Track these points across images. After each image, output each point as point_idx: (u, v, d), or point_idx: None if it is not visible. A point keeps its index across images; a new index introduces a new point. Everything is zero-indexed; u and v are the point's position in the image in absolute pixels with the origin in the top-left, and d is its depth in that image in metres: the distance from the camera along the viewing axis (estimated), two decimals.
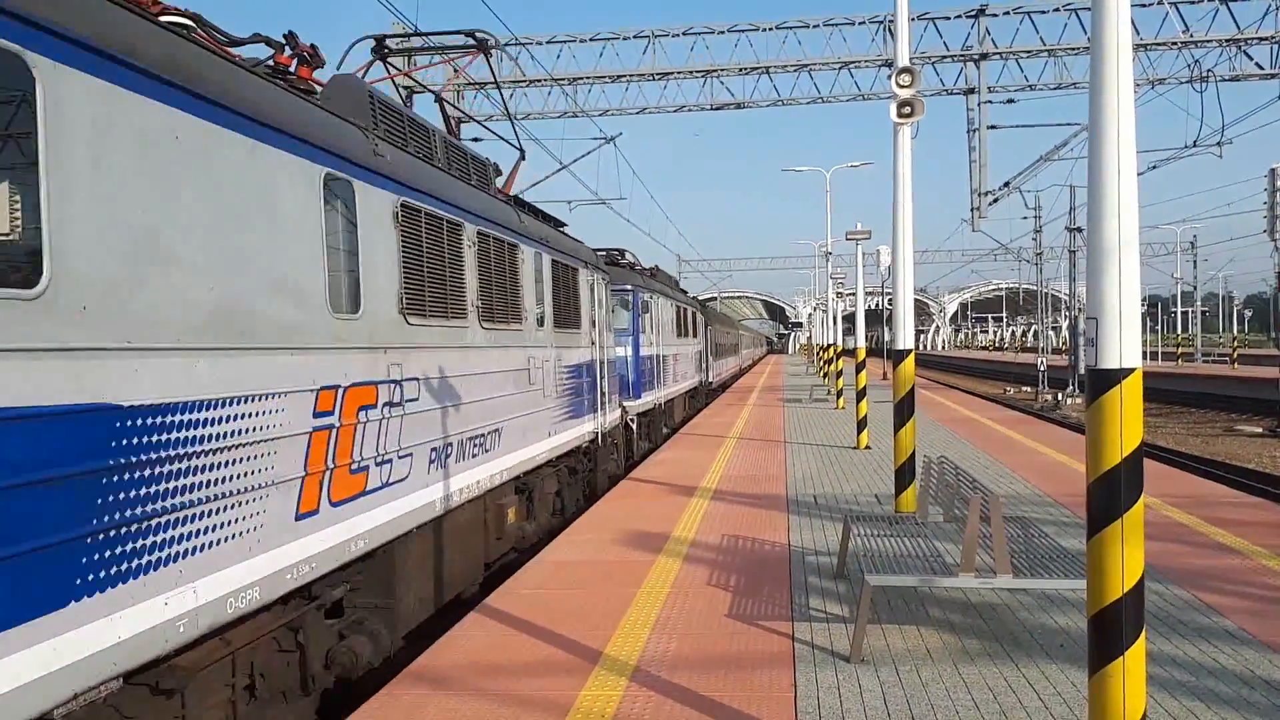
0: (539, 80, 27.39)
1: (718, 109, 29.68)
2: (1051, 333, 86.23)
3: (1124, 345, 3.52)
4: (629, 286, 18.90)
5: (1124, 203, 3.51)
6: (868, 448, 17.29)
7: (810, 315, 72.82)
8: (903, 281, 10.71)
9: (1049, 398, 39.16)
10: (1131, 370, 3.53)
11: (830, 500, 11.97)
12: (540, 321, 11.48)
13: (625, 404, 17.65)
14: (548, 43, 27.13)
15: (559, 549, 9.58)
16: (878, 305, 57.87)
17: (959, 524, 6.78)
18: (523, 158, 12.99)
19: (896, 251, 10.76)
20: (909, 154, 10.72)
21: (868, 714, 5.24)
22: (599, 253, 18.26)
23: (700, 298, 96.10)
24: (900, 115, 10.48)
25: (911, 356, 10.74)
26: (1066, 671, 5.81)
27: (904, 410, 10.56)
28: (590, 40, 27.28)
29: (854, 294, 19.86)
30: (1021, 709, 5.27)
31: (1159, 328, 77.37)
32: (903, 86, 10.49)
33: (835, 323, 36.02)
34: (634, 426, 18.50)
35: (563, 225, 14.72)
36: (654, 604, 7.49)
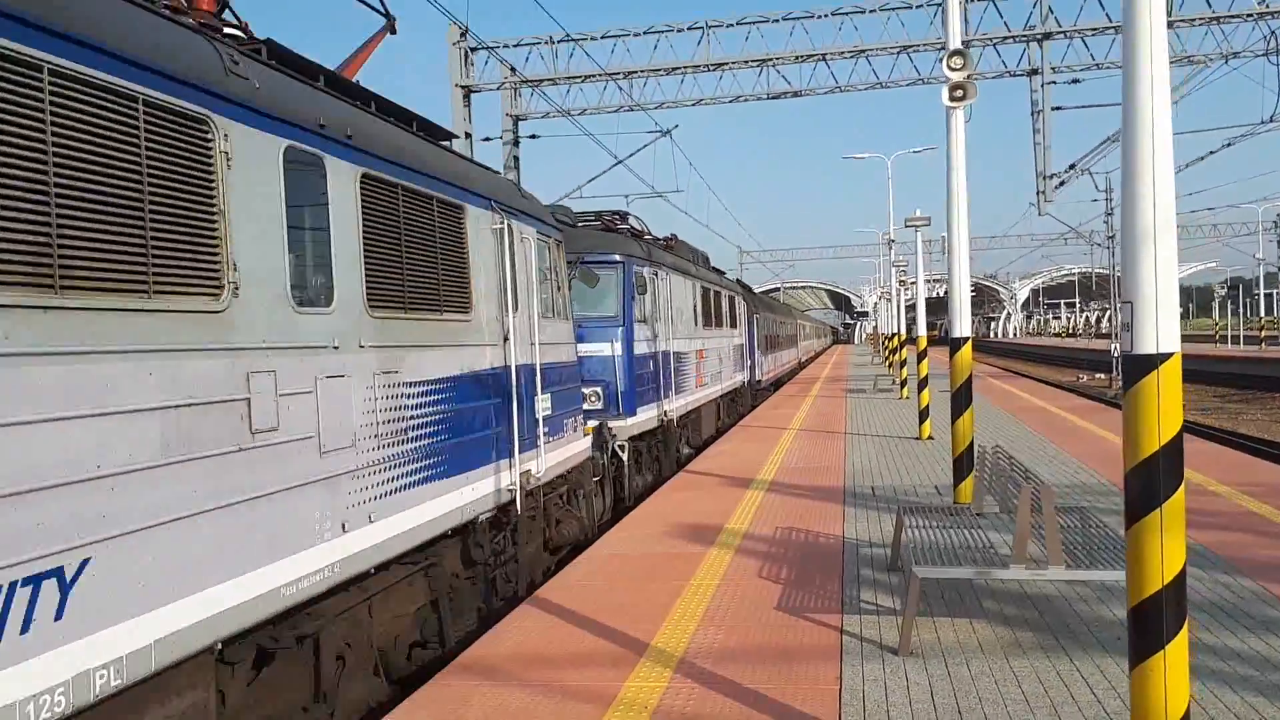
0: (593, 75, 27.44)
1: (774, 98, 29.40)
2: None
3: (1161, 330, 3.42)
4: (616, 257, 13.11)
5: (1159, 184, 3.41)
6: (930, 438, 17.03)
7: (876, 304, 71.83)
8: (958, 268, 10.52)
9: (1122, 385, 38.09)
10: (1169, 355, 3.43)
11: (888, 492, 11.83)
12: (299, 298, 5.35)
13: (613, 424, 12.79)
14: (602, 38, 27.18)
15: (611, 542, 9.63)
16: (938, 294, 56.88)
17: (1013, 515, 6.65)
18: (390, 29, 8.47)
19: (951, 237, 10.57)
20: (962, 138, 10.52)
21: (913, 707, 5.18)
22: (590, 216, 14.57)
23: (763, 289, 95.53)
24: (952, 99, 10.30)
25: (968, 345, 10.56)
26: (1122, 664, 5.67)
27: (961, 399, 10.38)
28: (644, 34, 27.25)
29: (917, 282, 19.53)
30: (1073, 703, 5.15)
31: (1240, 310, 74.76)
32: (954, 69, 10.30)
33: (900, 311, 35.45)
34: (626, 455, 13.14)
35: (446, 138, 8.21)
36: (703, 596, 7.49)
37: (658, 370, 14.38)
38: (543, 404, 9.06)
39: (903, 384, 27.49)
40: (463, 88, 27.18)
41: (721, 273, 25.12)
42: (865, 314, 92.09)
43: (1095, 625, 6.43)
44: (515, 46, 27.74)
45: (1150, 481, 3.43)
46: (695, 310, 18.47)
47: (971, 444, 10.18)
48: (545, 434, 9.18)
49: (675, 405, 15.79)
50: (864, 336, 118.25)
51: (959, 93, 10.27)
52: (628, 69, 27.75)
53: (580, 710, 5.32)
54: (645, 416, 13.85)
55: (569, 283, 11.05)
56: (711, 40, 27.82)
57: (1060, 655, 5.87)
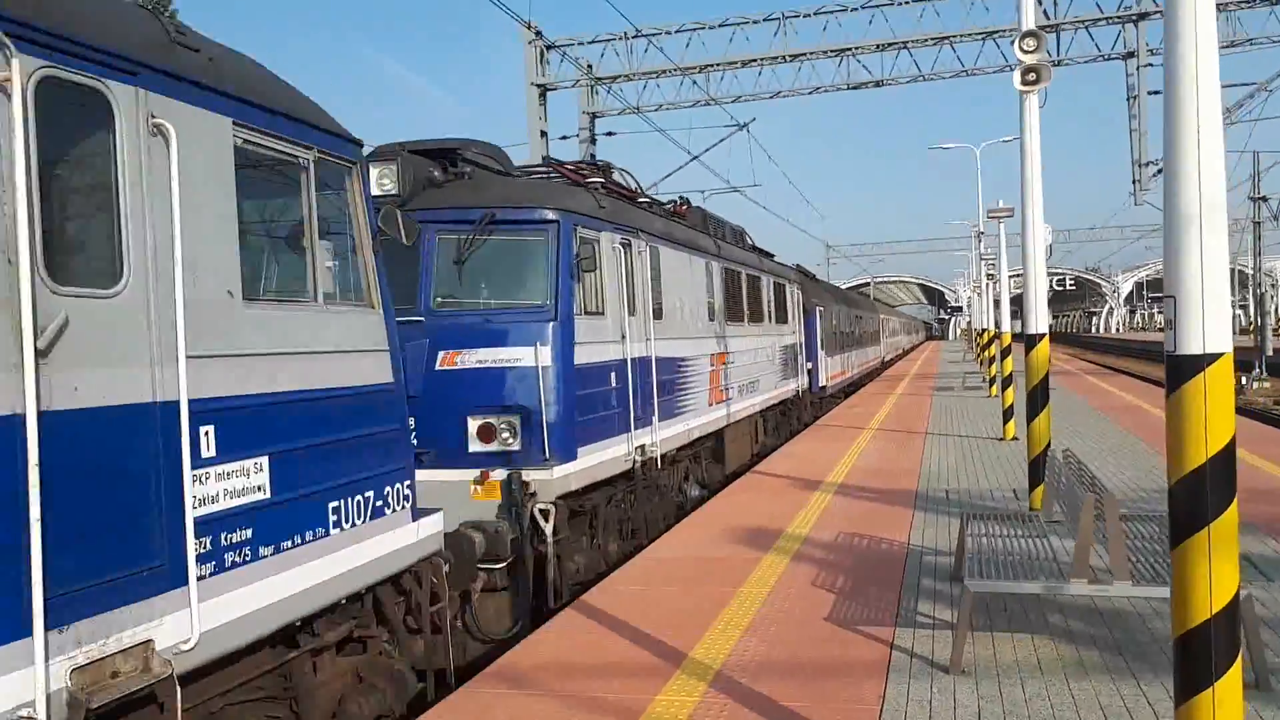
0: (668, 70, 27.21)
1: (855, 88, 28.76)
2: (1239, 311, 79.88)
3: (1207, 326, 3.06)
4: (545, 214, 8.79)
5: (1205, 164, 3.04)
6: (1014, 439, 16.33)
7: (969, 299, 69.88)
8: (1033, 261, 9.99)
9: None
10: (1218, 356, 3.06)
11: (963, 496, 11.33)
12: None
13: (530, 475, 8.12)
14: (676, 32, 26.92)
15: (664, 545, 9.42)
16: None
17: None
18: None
19: (1026, 229, 10.05)
20: (1037, 125, 10.00)
21: None
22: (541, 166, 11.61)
23: (850, 284, 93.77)
24: (1025, 83, 9.79)
25: (1045, 341, 10.03)
26: None
27: (1037, 399, 9.87)
28: (719, 26, 26.90)
29: (1011, 275, 18.79)
30: None
31: None
32: (1027, 51, 9.80)
33: (989, 306, 34.27)
34: (550, 526, 8.18)
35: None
36: (751, 605, 7.22)
37: (627, 386, 9.68)
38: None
39: (992, 381, 26.53)
40: (538, 86, 27.26)
41: (766, 255, 19.85)
42: (959, 309, 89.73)
43: (1169, 645, 5.95)
44: (590, 44, 27.72)
45: (1197, 497, 3.07)
46: (711, 300, 13.77)
47: (1048, 447, 9.65)
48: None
49: (667, 434, 11.05)
50: (958, 332, 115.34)
51: (1032, 77, 9.75)
52: (703, 63, 27.46)
53: None
54: (596, 459, 8.97)
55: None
56: (789, 31, 27.35)
57: (1126, 678, 5.43)
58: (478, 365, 8.19)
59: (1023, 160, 9.99)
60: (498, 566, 7.70)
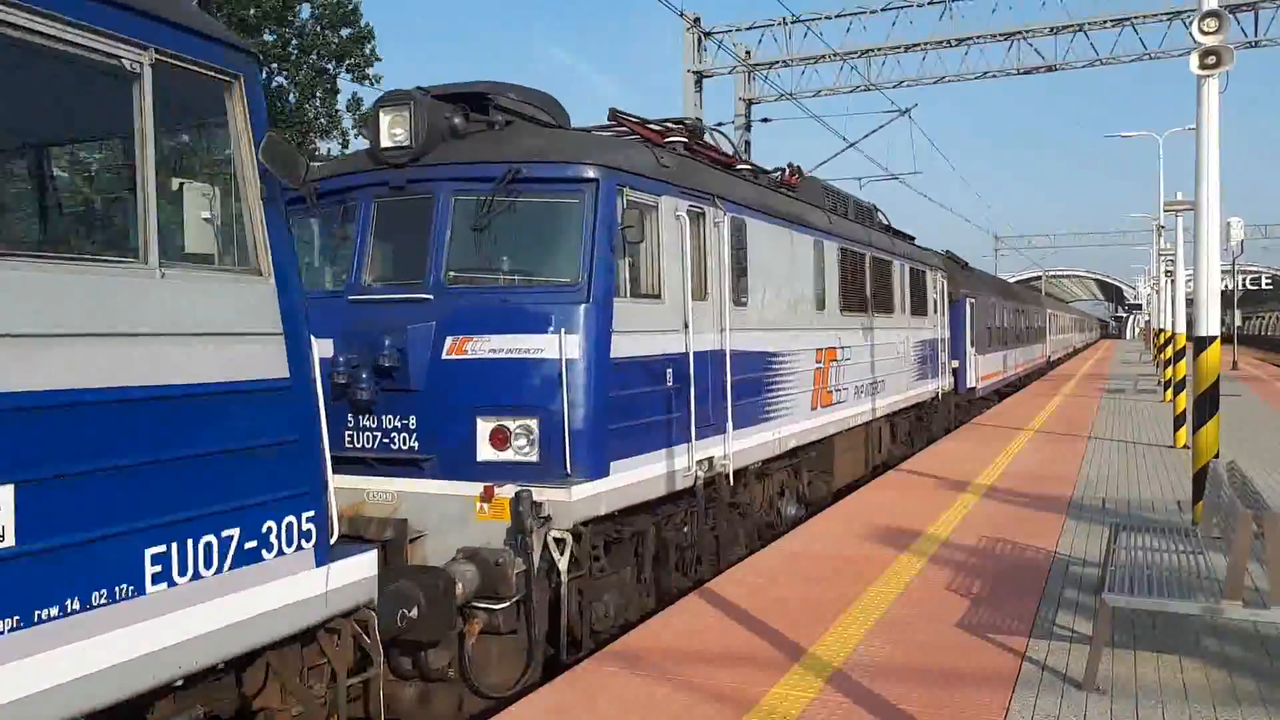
0: (826, 56, 26.65)
1: (1025, 73, 27.35)
2: None
3: None
4: (588, 174, 7.18)
5: None
6: (1185, 447, 15.27)
7: (1148, 296, 65.62)
8: (1205, 257, 9.29)
9: None
10: None
11: (1121, 505, 10.70)
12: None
13: (545, 495, 6.47)
14: (836, 17, 26.34)
15: (797, 538, 9.31)
16: (1229, 286, 50.83)
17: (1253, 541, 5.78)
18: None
19: (1199, 223, 9.34)
20: (1215, 112, 9.26)
21: None
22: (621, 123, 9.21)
23: (1019, 277, 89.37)
24: (1203, 67, 9.08)
25: (1217, 344, 9.32)
26: None
27: (1205, 406, 9.18)
28: (882, 11, 26.12)
29: (1189, 273, 17.58)
30: None
31: None
32: (1207, 33, 9.08)
33: (1167, 303, 32.07)
34: (565, 560, 6.51)
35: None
36: (879, 604, 7.06)
37: (689, 386, 7.88)
38: None
39: (1166, 385, 24.89)
40: (695, 73, 27.24)
41: (904, 236, 17.31)
42: (1138, 306, 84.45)
43: None
44: (747, 30, 27.46)
45: None
46: (821, 285, 11.71)
47: (1217, 457, 8.98)
48: None
49: (747, 444, 9.13)
50: (1136, 331, 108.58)
51: (1211, 60, 9.03)
52: (864, 48, 26.76)
53: (715, 712, 5.14)
54: (639, 476, 7.27)
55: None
56: (955, 14, 26.29)
57: None
58: (491, 355, 6.72)
59: (1199, 150, 9.29)
60: (499, 607, 6.17)
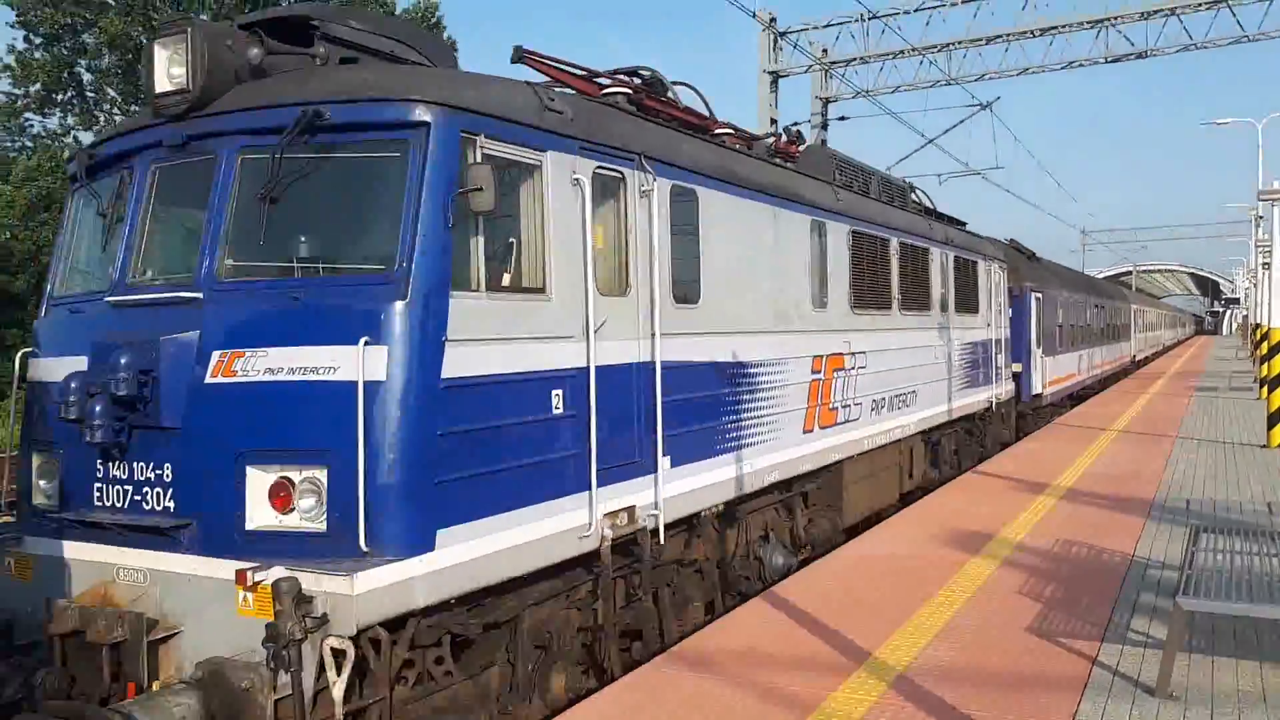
0: (905, 51, 26.24)
1: (1114, 61, 26.54)
2: None
3: None
4: (416, 115, 5.16)
5: None
6: (1279, 447, 14.71)
7: (1245, 290, 63.01)
8: None
9: None
10: None
11: (1207, 507, 10.34)
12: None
13: (318, 587, 4.49)
14: (914, 11, 25.91)
15: (868, 541, 9.24)
16: None
17: None
18: None
19: None
20: None
21: None
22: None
23: (1109, 273, 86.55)
24: None
25: None
26: None
27: None
28: (961, 3, 25.62)
29: (1271, 264, 16.87)
30: None
31: None
32: None
33: (1266, 298, 30.76)
34: (339, 686, 4.46)
35: None
36: (949, 608, 6.98)
37: (587, 412, 5.99)
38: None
39: (1262, 383, 23.93)
40: (770, 73, 27.11)
41: (950, 221, 15.07)
42: (1235, 300, 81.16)
43: None
44: (823, 28, 27.21)
45: None
46: (821, 276, 9.56)
47: None
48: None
49: (694, 483, 7.19)
50: (1233, 327, 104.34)
51: None
52: (943, 42, 26.28)
53: (776, 714, 5.16)
54: (488, 548, 5.27)
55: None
56: (1038, 3, 25.66)
57: None
58: (268, 378, 4.84)
59: None
60: None
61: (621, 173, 6.49)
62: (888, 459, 11.56)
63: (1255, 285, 34.70)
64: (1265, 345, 20.89)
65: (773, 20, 27.07)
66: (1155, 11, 25.40)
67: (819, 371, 9.50)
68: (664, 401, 6.69)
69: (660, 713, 5.23)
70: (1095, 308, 29.15)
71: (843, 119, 28.48)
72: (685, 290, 7.18)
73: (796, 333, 9.03)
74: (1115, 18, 25.89)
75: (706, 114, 8.91)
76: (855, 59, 27.53)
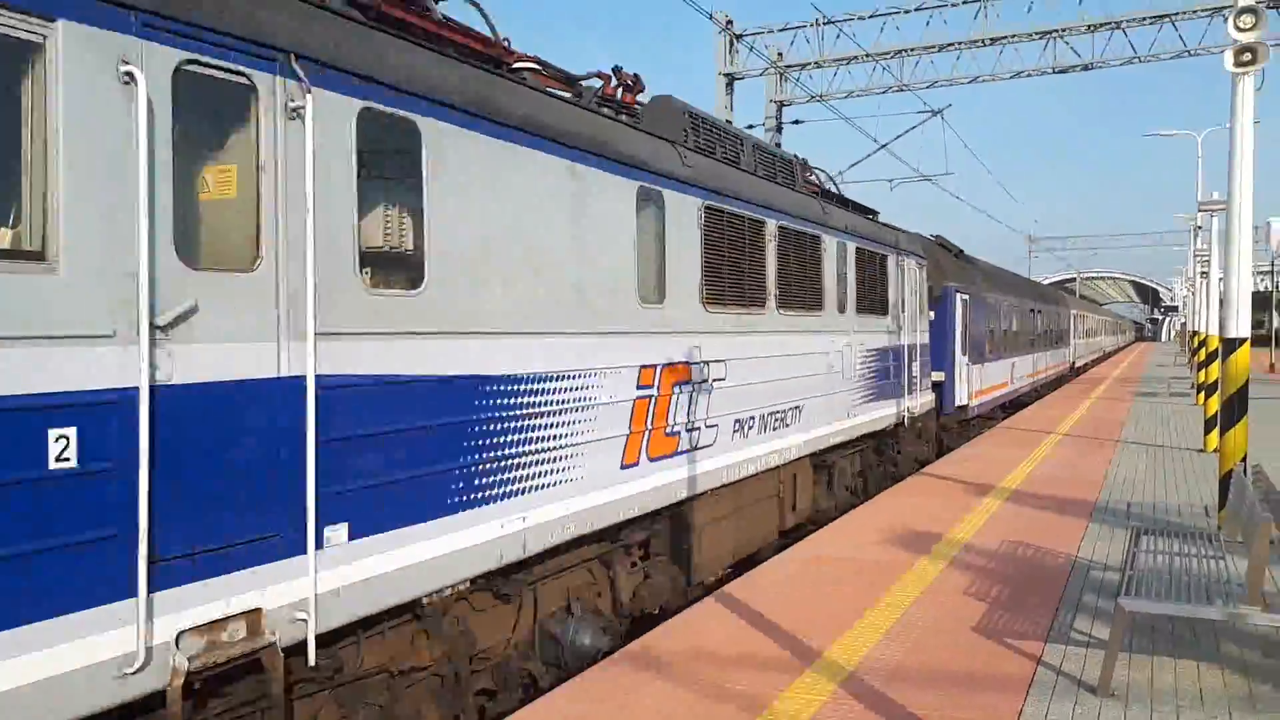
0: (859, 57, 26.50)
1: (1061, 72, 27.03)
2: None
3: None
4: None
5: None
6: (1216, 451, 15.05)
7: (1184, 298, 64.64)
8: (1237, 256, 9.17)
9: None
10: None
11: (1146, 510, 10.58)
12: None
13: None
14: (869, 17, 26.17)
15: (818, 542, 9.28)
16: (1269, 287, 49.83)
17: (1274, 547, 5.72)
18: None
19: (1231, 223, 9.23)
20: (1250, 110, 9.14)
21: None
22: None
23: (1054, 280, 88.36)
24: (1238, 64, 8.97)
25: (1246, 347, 9.21)
26: None
27: (1233, 409, 9.09)
28: (915, 10, 25.91)
29: (1209, 274, 17.31)
30: None
31: None
32: (1243, 29, 8.96)
33: (1206, 305, 31.56)
34: None
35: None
36: (897, 608, 7.03)
37: (131, 463, 3.73)
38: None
39: (1199, 388, 24.55)
40: (726, 75, 27.20)
41: (859, 210, 13.58)
42: (1174, 308, 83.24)
43: None
44: (779, 32, 27.37)
45: None
46: (650, 261, 7.59)
47: (1244, 461, 8.86)
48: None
49: (394, 562, 4.98)
50: (1172, 333, 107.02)
51: (1247, 57, 8.91)
52: (897, 48, 26.58)
53: (729, 714, 5.15)
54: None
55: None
56: (989, 14, 26.04)
57: None
58: None
59: (1232, 149, 9.17)
60: None
61: (246, 76, 4.24)
62: (761, 490, 9.67)
63: (1193, 294, 35.62)
64: (1203, 352, 21.42)
65: (729, 23, 27.17)
66: (1101, 25, 25.92)
67: (650, 386, 7.31)
68: (331, 440, 4.53)
69: (610, 716, 5.19)
70: (1031, 312, 28.05)
71: (797, 123, 28.61)
72: (391, 268, 5.18)
73: (612, 335, 6.84)
74: (1063, 30, 26.37)
75: (491, 38, 6.48)
76: (810, 63, 27.71)
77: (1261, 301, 58.34)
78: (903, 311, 14.42)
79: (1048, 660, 5.88)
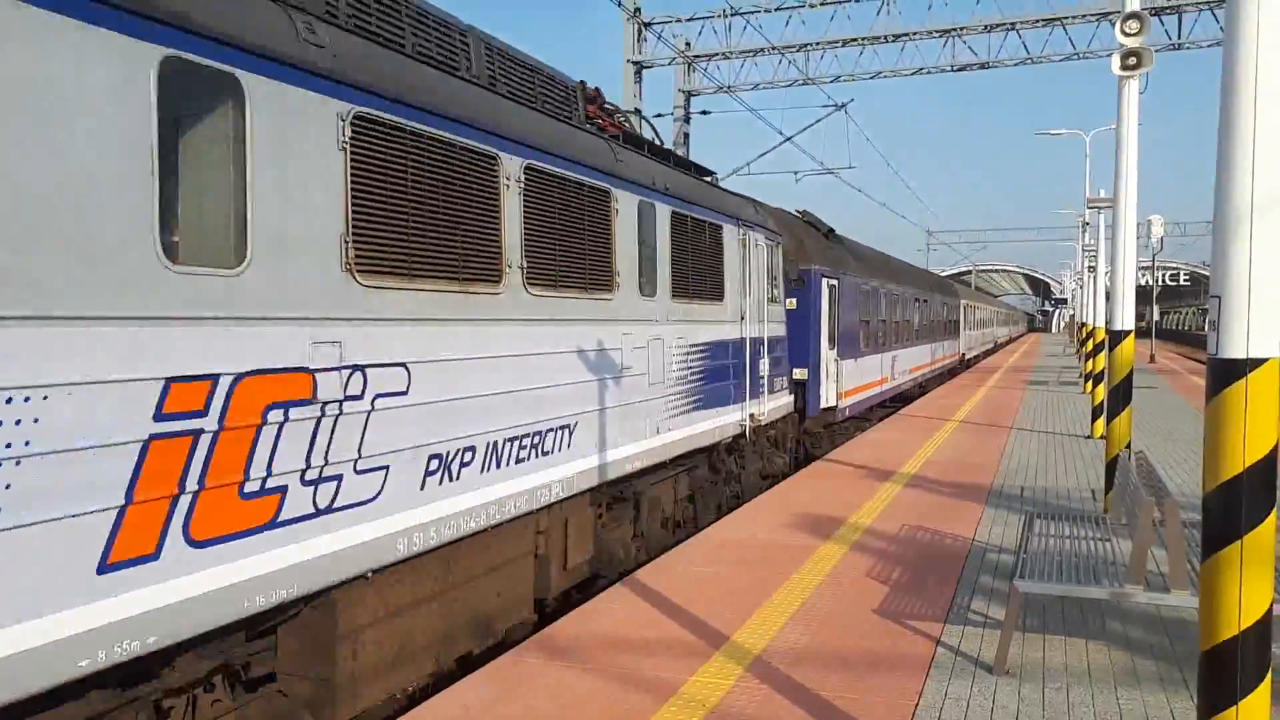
0: (765, 49, 26.83)
1: (960, 70, 27.89)
2: None
3: (1254, 330, 2.90)
4: None
5: (1261, 154, 2.88)
6: (1102, 437, 15.76)
7: (1073, 291, 67.45)
8: (1122, 253, 9.59)
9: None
10: (1262, 361, 2.90)
11: (1039, 494, 11.01)
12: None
13: None
14: (775, 10, 26.52)
15: (727, 526, 9.40)
16: (1148, 282, 52.64)
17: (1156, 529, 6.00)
18: None
19: (1118, 220, 9.64)
20: (1135, 112, 9.56)
21: None
22: None
23: (951, 272, 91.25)
24: (1124, 68, 9.35)
25: (1130, 338, 9.65)
26: None
27: (1119, 398, 9.51)
28: (820, 5, 26.39)
29: (1097, 268, 18.09)
30: None
31: None
32: (1129, 34, 9.35)
33: (1094, 298, 33.00)
34: None
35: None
36: (802, 591, 7.16)
37: None
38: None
39: (1087, 377, 25.65)
40: (634, 63, 27.22)
41: (690, 168, 11.14)
42: (1063, 301, 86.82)
43: None
44: (687, 21, 27.52)
45: (1231, 508, 2.92)
46: (225, 200, 4.52)
47: (1128, 447, 9.30)
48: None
49: None
50: (1061, 325, 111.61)
51: (1132, 61, 9.31)
52: (802, 42, 27.01)
53: (637, 700, 5.17)
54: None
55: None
56: (892, 10, 26.67)
57: (1180, 691, 5.22)
58: None
59: (1118, 149, 9.57)
60: None
61: None
62: (497, 552, 6.82)
63: (1081, 287, 37.18)
64: (1090, 343, 22.41)
65: (637, 10, 27.20)
66: (997, 25, 26.81)
67: (192, 415, 4.27)
68: None
69: (520, 703, 5.16)
70: (916, 301, 25.90)
71: (705, 113, 28.86)
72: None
73: (72, 324, 3.74)
74: (961, 29, 27.20)
75: None
76: (717, 54, 27.95)
77: (1142, 295, 61.29)
78: (747, 297, 11.71)
79: (946, 641, 6.06)
